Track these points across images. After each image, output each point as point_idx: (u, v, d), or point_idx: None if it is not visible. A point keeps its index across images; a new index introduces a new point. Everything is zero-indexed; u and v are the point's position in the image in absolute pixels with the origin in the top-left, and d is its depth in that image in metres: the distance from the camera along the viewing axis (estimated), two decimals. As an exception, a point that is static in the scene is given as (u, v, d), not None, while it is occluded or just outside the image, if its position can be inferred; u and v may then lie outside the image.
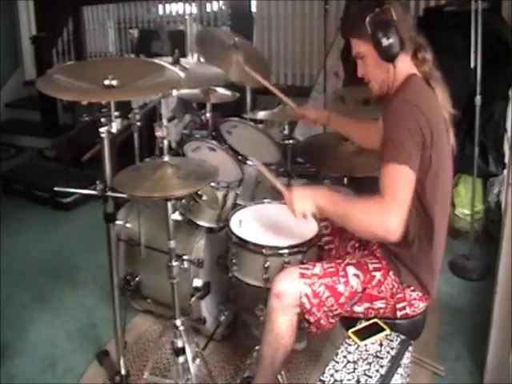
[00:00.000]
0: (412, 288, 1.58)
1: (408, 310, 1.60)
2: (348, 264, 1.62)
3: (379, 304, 1.60)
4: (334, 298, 1.58)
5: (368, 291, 1.59)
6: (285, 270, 1.65)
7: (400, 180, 1.41)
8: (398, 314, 1.60)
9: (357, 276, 1.59)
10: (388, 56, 1.52)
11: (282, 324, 1.60)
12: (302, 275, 1.58)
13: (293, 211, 1.57)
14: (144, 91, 1.60)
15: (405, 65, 1.56)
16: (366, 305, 1.60)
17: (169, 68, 1.69)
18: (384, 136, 1.48)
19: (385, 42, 1.49)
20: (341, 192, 2.31)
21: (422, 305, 1.60)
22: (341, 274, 1.59)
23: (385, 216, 1.38)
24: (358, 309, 1.61)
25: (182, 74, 1.65)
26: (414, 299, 1.59)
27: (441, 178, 1.52)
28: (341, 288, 1.58)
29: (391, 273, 1.59)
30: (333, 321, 1.64)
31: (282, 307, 1.58)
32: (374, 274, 1.60)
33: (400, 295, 1.59)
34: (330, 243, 1.89)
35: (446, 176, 1.56)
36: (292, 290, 1.57)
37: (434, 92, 1.55)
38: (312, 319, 1.59)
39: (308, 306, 1.57)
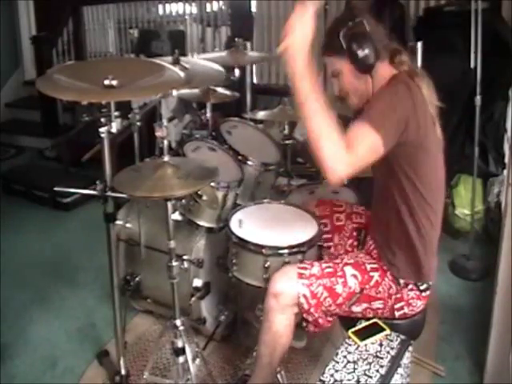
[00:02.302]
0: (410, 287, 1.58)
1: (406, 310, 1.60)
2: (346, 264, 1.62)
3: (377, 304, 1.60)
4: (332, 299, 1.58)
5: (366, 292, 1.59)
6: (282, 269, 1.65)
7: (368, 145, 1.39)
8: (396, 314, 1.60)
9: (355, 276, 1.59)
10: (364, 67, 1.51)
11: (279, 323, 1.60)
12: (300, 275, 1.58)
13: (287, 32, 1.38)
14: (144, 91, 1.60)
15: (384, 70, 1.55)
16: (364, 305, 1.61)
17: (169, 68, 1.69)
18: (373, 101, 1.47)
19: (360, 53, 1.48)
20: (341, 192, 2.34)
21: (419, 303, 1.60)
22: (339, 274, 1.59)
23: (337, 160, 1.35)
24: (356, 309, 1.61)
25: (182, 74, 1.65)
26: (412, 298, 1.59)
27: (434, 167, 1.52)
28: (339, 289, 1.58)
29: (388, 273, 1.59)
30: (331, 319, 1.64)
31: (280, 307, 1.58)
32: (371, 274, 1.60)
33: (398, 295, 1.59)
34: (328, 241, 1.89)
35: (439, 165, 1.57)
36: (290, 290, 1.57)
37: (419, 88, 1.54)
38: (310, 318, 1.60)
39: (306, 306, 1.57)
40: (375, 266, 1.61)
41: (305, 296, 1.56)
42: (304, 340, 2.19)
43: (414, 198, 1.52)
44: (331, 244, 1.88)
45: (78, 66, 1.93)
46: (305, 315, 1.60)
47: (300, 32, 1.37)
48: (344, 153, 1.35)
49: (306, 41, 1.38)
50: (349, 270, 1.60)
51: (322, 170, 1.38)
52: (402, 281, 1.58)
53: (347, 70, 1.56)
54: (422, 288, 1.59)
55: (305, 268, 1.61)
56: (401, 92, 1.45)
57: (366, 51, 1.48)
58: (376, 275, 1.59)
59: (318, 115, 1.37)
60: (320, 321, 1.61)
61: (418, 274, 1.58)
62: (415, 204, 1.53)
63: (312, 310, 1.57)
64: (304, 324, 1.65)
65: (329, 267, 1.61)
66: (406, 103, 1.43)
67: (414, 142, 1.45)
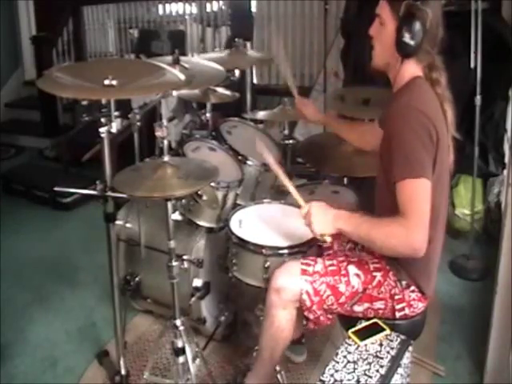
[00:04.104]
0: (411, 289, 1.58)
1: (407, 311, 1.59)
2: (349, 262, 1.62)
3: (379, 305, 1.60)
4: (335, 297, 1.58)
5: (368, 292, 1.59)
6: (285, 265, 1.64)
7: (418, 194, 1.40)
8: (397, 314, 1.60)
9: (358, 276, 1.59)
10: (400, 50, 1.48)
11: (281, 318, 1.60)
12: (304, 272, 1.58)
13: (311, 229, 1.56)
14: (143, 90, 1.59)
15: (412, 68, 1.53)
16: (366, 305, 1.60)
17: (169, 69, 1.69)
18: (393, 149, 1.44)
19: (406, 37, 1.44)
20: (341, 192, 2.34)
21: (421, 305, 1.60)
22: (342, 272, 1.59)
23: (409, 236, 1.39)
24: (358, 308, 1.61)
25: (181, 76, 1.65)
26: (413, 300, 1.59)
27: (441, 181, 1.51)
28: (342, 287, 1.58)
29: (391, 273, 1.59)
30: (331, 317, 1.64)
31: (282, 302, 1.58)
32: (374, 274, 1.59)
33: (399, 296, 1.58)
34: (328, 249, 1.89)
35: (445, 181, 1.56)
36: (292, 285, 1.57)
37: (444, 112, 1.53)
38: (311, 316, 1.60)
39: (308, 303, 1.57)
40: (378, 265, 1.61)
41: (307, 293, 1.56)
42: (304, 355, 2.19)
43: None
44: (331, 252, 1.88)
45: (78, 67, 1.93)
46: (306, 313, 1.60)
47: (318, 227, 1.54)
48: (408, 226, 1.38)
49: (328, 225, 1.53)
50: (352, 269, 1.60)
51: (411, 257, 1.45)
52: (404, 282, 1.58)
53: (388, 30, 1.51)
54: (423, 290, 1.59)
55: (308, 264, 1.61)
56: (412, 119, 1.42)
57: (412, 41, 1.44)
58: (379, 275, 1.59)
59: (370, 235, 1.46)
60: (321, 318, 1.61)
61: (418, 280, 1.58)
62: None
63: (314, 307, 1.57)
64: (304, 322, 1.65)
65: (332, 265, 1.61)
66: (422, 124, 1.42)
67: (435, 147, 1.45)
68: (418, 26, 1.44)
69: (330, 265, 1.61)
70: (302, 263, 1.61)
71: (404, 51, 1.48)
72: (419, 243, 1.40)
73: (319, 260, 1.63)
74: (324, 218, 1.53)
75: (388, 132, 1.50)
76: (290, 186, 1.64)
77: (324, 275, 1.58)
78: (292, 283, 1.57)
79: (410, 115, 1.44)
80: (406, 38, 1.45)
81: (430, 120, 1.43)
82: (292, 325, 1.63)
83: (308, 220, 1.55)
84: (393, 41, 1.49)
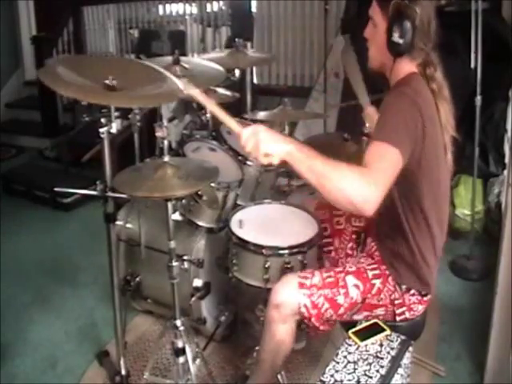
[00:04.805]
0: (411, 292, 1.57)
1: (407, 315, 1.58)
2: (347, 273, 1.59)
3: (379, 311, 1.59)
4: (333, 310, 1.56)
5: (368, 301, 1.57)
6: (283, 279, 1.61)
7: (389, 160, 1.33)
8: (397, 318, 1.59)
9: (356, 287, 1.56)
10: (391, 49, 1.48)
11: (281, 332, 1.59)
12: (301, 285, 1.55)
13: (254, 151, 1.32)
14: (143, 100, 1.56)
15: (406, 66, 1.52)
16: (366, 313, 1.59)
17: (169, 77, 1.67)
18: (379, 118, 1.44)
19: (395, 36, 1.44)
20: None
21: (421, 308, 1.59)
22: (340, 284, 1.56)
23: (367, 185, 1.26)
24: (358, 317, 1.60)
25: (181, 85, 1.63)
26: (414, 303, 1.57)
27: (436, 179, 1.49)
28: (340, 300, 1.55)
29: (390, 278, 1.57)
30: (332, 323, 1.63)
31: (282, 317, 1.56)
32: (373, 282, 1.57)
33: (399, 301, 1.57)
34: (329, 245, 1.88)
35: (442, 179, 1.54)
36: (291, 300, 1.55)
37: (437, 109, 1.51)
38: (311, 325, 1.59)
39: (307, 315, 1.55)
40: (377, 272, 1.59)
41: (306, 306, 1.54)
42: (303, 342, 2.19)
43: (416, 217, 1.50)
44: (332, 248, 1.87)
45: (80, 60, 1.91)
46: (306, 321, 1.59)
47: (267, 146, 1.31)
48: (367, 175, 1.28)
49: (278, 144, 1.32)
50: (350, 280, 1.57)
51: (357, 209, 1.28)
52: (403, 286, 1.56)
53: (380, 33, 1.51)
54: (423, 293, 1.58)
55: (305, 277, 1.58)
56: (404, 104, 1.42)
57: (401, 40, 1.44)
58: (378, 282, 1.57)
59: (325, 171, 1.30)
60: (320, 328, 1.59)
61: (418, 282, 1.56)
62: (417, 221, 1.51)
63: (313, 319, 1.56)
64: (304, 326, 1.64)
65: (330, 277, 1.58)
66: (411, 113, 1.41)
67: (419, 140, 1.42)
68: (406, 24, 1.43)
69: (328, 277, 1.58)
70: (300, 276, 1.58)
71: (394, 50, 1.48)
72: (374, 197, 1.26)
73: (316, 272, 1.60)
74: (273, 137, 1.32)
75: (381, 111, 1.49)
76: (219, 112, 1.38)
77: (322, 288, 1.55)
78: (290, 297, 1.55)
79: (402, 99, 1.43)
80: (395, 37, 1.45)
81: (420, 111, 1.41)
82: (293, 336, 1.61)
83: (252, 140, 1.31)
84: (385, 41, 1.49)
